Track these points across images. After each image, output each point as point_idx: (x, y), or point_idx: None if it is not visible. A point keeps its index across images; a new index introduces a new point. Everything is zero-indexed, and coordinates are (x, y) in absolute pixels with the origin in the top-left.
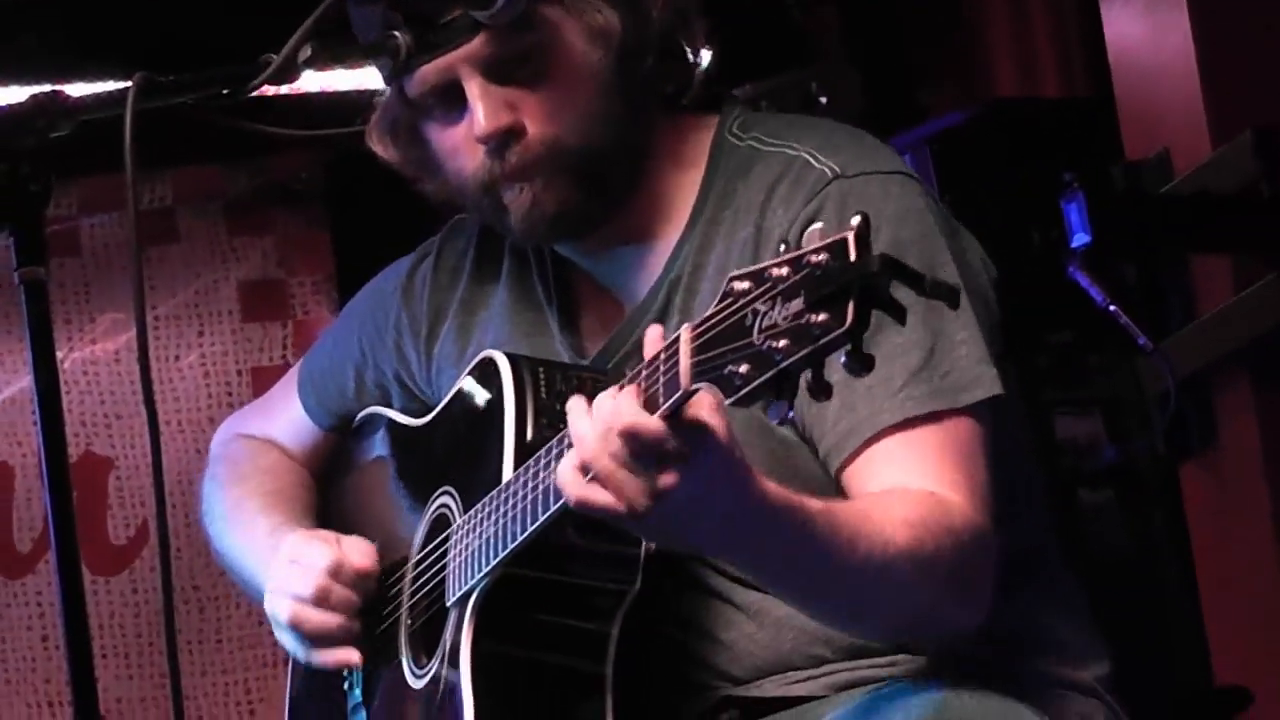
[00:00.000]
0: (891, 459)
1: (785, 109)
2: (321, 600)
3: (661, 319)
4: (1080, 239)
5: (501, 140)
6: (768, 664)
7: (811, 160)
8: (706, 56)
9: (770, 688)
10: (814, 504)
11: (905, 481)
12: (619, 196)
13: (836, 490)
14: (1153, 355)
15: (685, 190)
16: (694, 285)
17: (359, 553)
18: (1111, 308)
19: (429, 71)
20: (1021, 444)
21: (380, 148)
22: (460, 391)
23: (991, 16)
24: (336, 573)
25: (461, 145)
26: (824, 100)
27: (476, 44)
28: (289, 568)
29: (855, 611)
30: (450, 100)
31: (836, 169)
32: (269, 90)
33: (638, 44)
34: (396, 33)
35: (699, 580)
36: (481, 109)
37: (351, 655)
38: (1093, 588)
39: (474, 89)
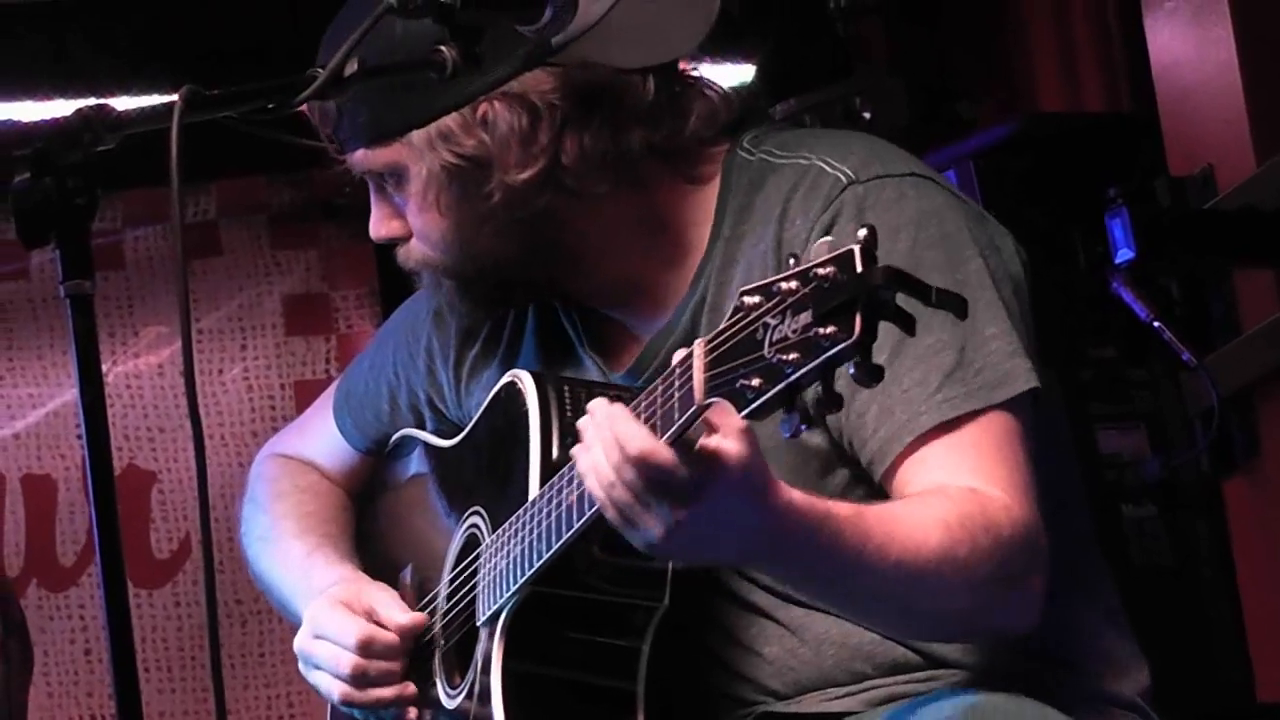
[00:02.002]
0: (933, 461)
1: (829, 123)
2: (359, 680)
3: (688, 340)
4: (1124, 254)
5: (389, 244)
6: (810, 680)
7: (825, 167)
8: (748, 73)
9: (810, 703)
10: (842, 510)
11: (947, 480)
12: (548, 283)
13: (881, 496)
14: (1196, 370)
15: (699, 218)
16: (719, 303)
17: (387, 608)
18: (1155, 323)
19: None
20: (1062, 448)
21: None
22: (487, 411)
23: (1035, 31)
24: (368, 649)
25: None
26: (868, 115)
27: (360, 155)
28: (316, 644)
29: (893, 616)
30: None
31: (851, 174)
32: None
33: (539, 156)
34: (443, 48)
35: (740, 595)
36: (372, 215)
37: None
38: (1136, 602)
39: (372, 192)
